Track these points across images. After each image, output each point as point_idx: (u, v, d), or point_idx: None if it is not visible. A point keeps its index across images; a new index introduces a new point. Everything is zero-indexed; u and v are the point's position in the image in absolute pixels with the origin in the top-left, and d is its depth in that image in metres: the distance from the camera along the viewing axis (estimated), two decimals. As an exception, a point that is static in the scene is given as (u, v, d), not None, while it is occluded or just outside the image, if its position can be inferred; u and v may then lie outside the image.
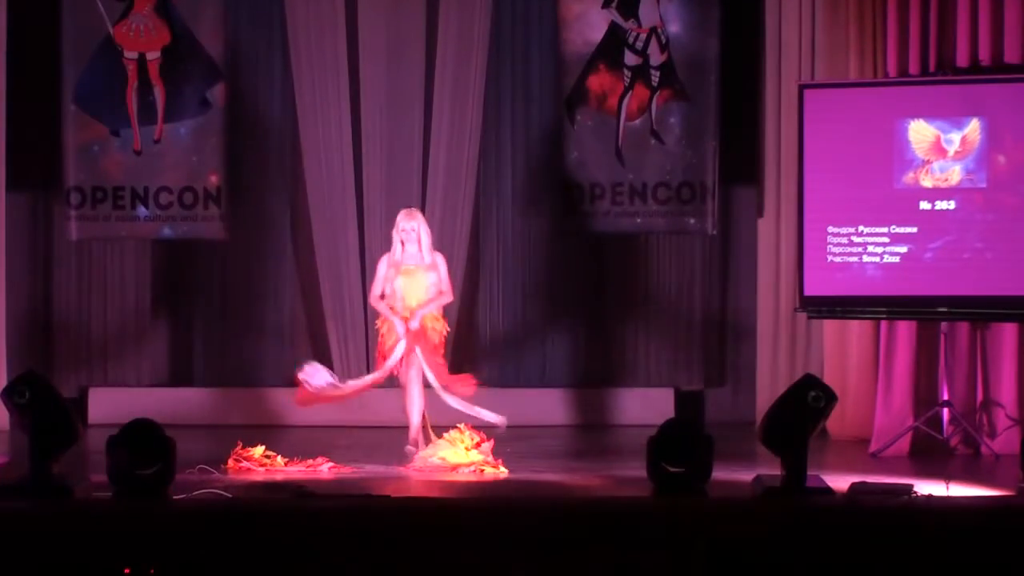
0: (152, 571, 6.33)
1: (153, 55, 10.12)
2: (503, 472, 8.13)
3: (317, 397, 8.67)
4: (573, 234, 10.35)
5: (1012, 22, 9.06)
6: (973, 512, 6.94)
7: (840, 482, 7.28)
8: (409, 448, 8.57)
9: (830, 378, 8.94)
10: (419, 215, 8.86)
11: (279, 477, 7.95)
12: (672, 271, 10.44)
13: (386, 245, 10.12)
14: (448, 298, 8.85)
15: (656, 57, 10.17)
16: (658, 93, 10.19)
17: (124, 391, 10.23)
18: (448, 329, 8.90)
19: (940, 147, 8.94)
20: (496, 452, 8.32)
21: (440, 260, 8.81)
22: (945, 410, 8.98)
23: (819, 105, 9.13)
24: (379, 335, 8.83)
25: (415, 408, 8.66)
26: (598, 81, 10.22)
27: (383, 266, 8.79)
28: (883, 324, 9.23)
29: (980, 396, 9.11)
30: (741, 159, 10.29)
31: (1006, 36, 9.08)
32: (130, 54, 10.12)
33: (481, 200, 10.42)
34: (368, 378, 8.82)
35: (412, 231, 8.73)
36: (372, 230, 10.17)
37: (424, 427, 8.70)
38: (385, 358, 8.66)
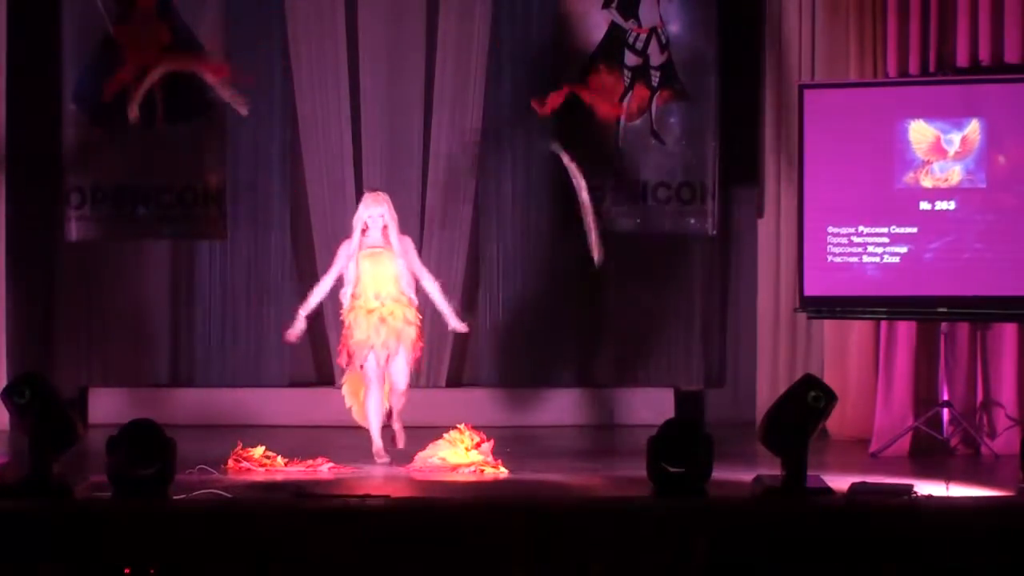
0: (152, 571, 6.33)
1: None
2: (503, 472, 8.12)
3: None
4: (573, 234, 10.34)
5: (1012, 22, 9.06)
6: (973, 512, 6.94)
7: (840, 482, 7.28)
8: (381, 456, 8.42)
9: (830, 378, 8.93)
10: (385, 199, 8.53)
11: (279, 477, 7.95)
12: (672, 271, 10.44)
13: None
14: (432, 282, 8.55)
15: (656, 57, 10.17)
16: (658, 93, 10.18)
17: (124, 391, 10.23)
18: (421, 317, 8.60)
19: (940, 147, 8.94)
20: (496, 452, 8.32)
21: (409, 244, 8.55)
22: (945, 410, 8.98)
23: (819, 105, 9.13)
24: (344, 326, 8.56)
25: (379, 412, 8.48)
26: (598, 81, 10.22)
27: (342, 255, 8.51)
28: (883, 324, 9.24)
29: (980, 396, 9.11)
30: (741, 159, 10.28)
31: (1006, 36, 9.08)
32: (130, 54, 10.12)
33: (481, 200, 10.42)
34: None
35: (379, 217, 8.46)
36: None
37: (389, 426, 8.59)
38: (351, 354, 8.49)
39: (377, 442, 8.47)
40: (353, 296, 8.53)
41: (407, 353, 8.49)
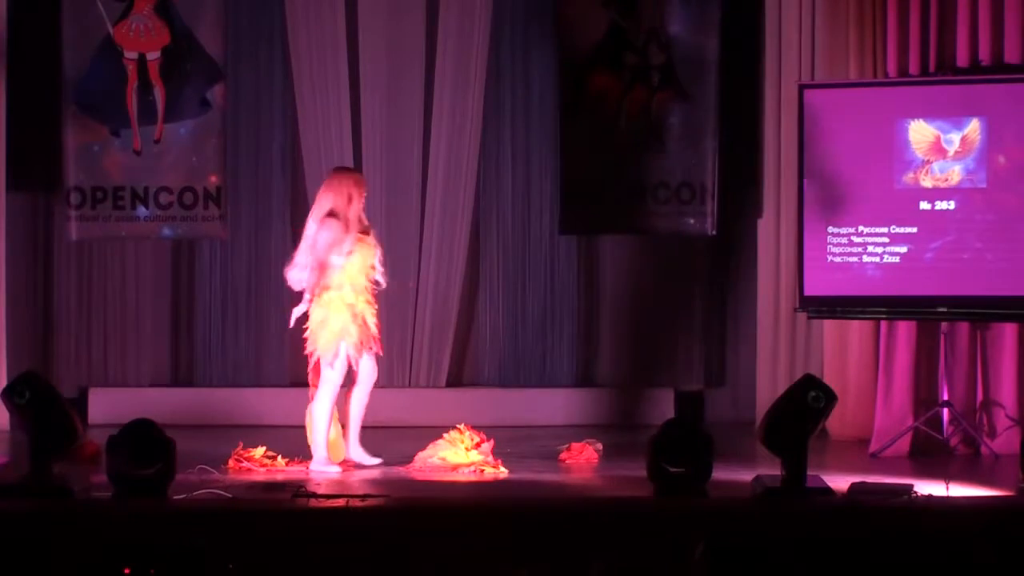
0: (152, 571, 6.33)
1: (153, 55, 10.12)
2: (503, 472, 8.12)
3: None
4: (573, 234, 10.35)
5: (1012, 22, 9.05)
6: (973, 512, 6.94)
7: (840, 482, 7.28)
8: (328, 463, 8.03)
9: (830, 378, 8.93)
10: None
11: (279, 477, 7.95)
12: (672, 271, 10.43)
13: (387, 244, 10.11)
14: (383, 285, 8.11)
15: (656, 57, 10.17)
16: (658, 93, 10.18)
17: (124, 391, 10.23)
18: (378, 322, 8.18)
19: (940, 147, 8.93)
20: (496, 452, 8.31)
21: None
22: (945, 410, 8.98)
23: (819, 105, 9.13)
24: (304, 327, 8.04)
25: (330, 418, 8.05)
26: (598, 81, 10.22)
27: (335, 234, 7.93)
28: (883, 324, 9.23)
29: (980, 396, 9.11)
30: (741, 159, 10.29)
31: (1006, 36, 9.07)
32: (130, 54, 10.12)
33: (481, 200, 10.43)
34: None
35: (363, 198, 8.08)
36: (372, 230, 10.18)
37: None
38: (318, 358, 7.97)
39: (322, 451, 8.05)
40: (329, 287, 7.99)
41: (372, 353, 8.11)
